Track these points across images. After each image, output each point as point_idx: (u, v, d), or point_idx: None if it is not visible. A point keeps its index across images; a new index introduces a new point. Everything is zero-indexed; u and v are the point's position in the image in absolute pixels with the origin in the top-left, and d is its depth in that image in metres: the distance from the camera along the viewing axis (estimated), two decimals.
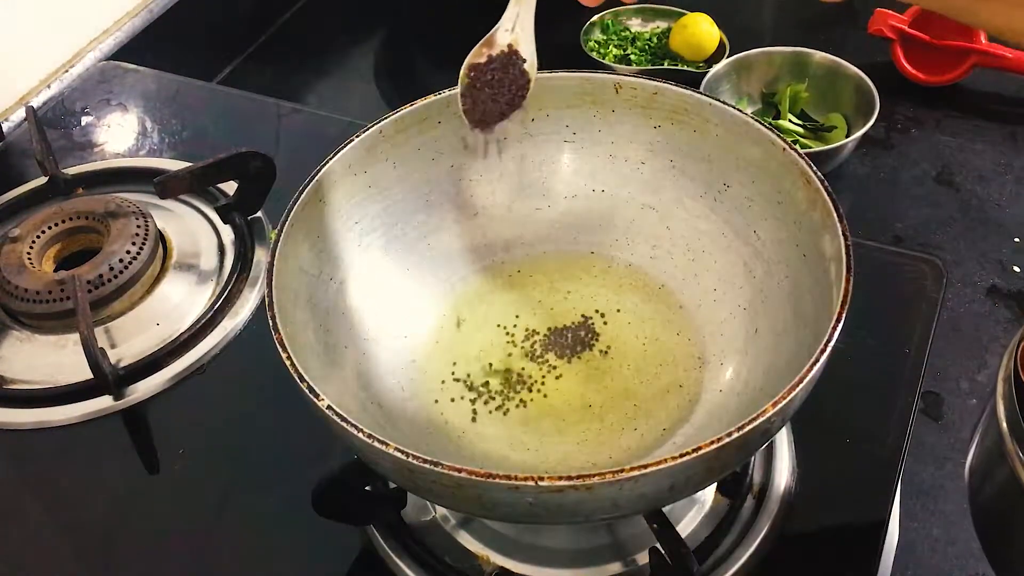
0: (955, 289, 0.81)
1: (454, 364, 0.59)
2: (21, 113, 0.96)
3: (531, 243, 0.64)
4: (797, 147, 0.54)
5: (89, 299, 0.70)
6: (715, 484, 0.58)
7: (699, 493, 0.58)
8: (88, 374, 0.67)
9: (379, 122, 0.59)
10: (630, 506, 0.44)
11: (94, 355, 0.66)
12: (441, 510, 0.59)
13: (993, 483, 0.56)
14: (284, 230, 0.53)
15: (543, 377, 0.58)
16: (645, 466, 0.40)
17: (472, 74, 0.56)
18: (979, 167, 0.93)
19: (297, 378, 0.45)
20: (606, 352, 0.59)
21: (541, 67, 0.57)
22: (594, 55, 1.06)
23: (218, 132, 0.92)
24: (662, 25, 1.10)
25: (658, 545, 0.51)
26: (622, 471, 0.40)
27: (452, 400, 0.58)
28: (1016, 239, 0.85)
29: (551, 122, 0.62)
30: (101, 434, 0.67)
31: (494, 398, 0.57)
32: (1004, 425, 0.52)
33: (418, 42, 1.22)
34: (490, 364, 0.59)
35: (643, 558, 0.55)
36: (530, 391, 0.57)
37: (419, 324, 0.61)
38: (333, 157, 0.57)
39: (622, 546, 0.57)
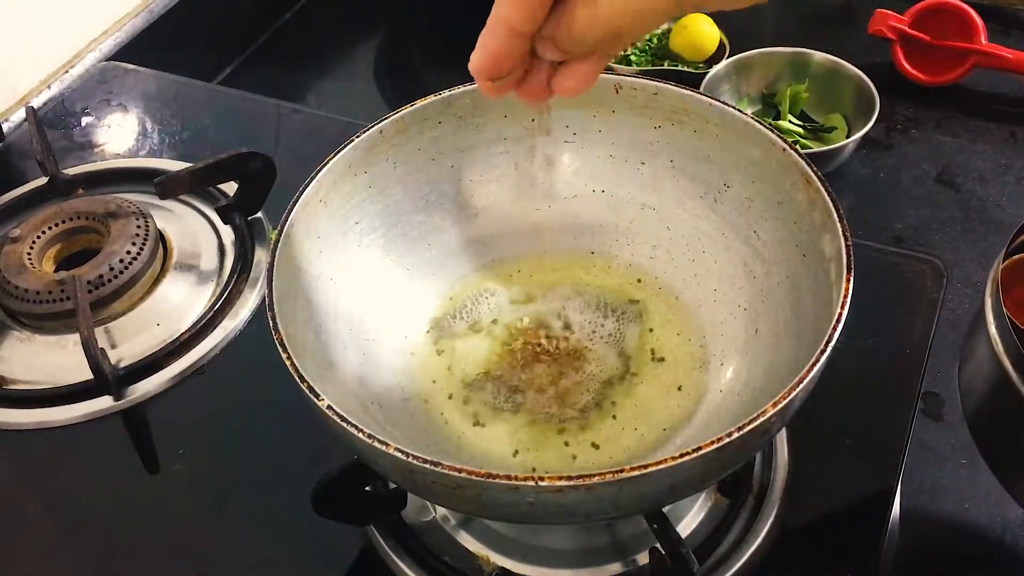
0: (955, 289, 0.81)
1: (454, 364, 0.59)
2: (21, 113, 0.96)
3: (531, 243, 0.64)
4: (797, 147, 0.54)
5: (89, 299, 0.70)
6: (715, 484, 0.59)
7: (699, 493, 0.58)
8: (88, 374, 0.67)
9: (379, 122, 0.59)
10: (630, 506, 0.44)
11: (94, 355, 0.66)
12: (441, 510, 0.59)
13: (985, 388, 0.58)
14: (284, 230, 0.53)
15: (543, 377, 0.58)
16: (645, 466, 0.40)
17: None
18: (979, 167, 0.93)
19: (297, 378, 0.45)
20: (606, 352, 0.59)
21: None
22: None
23: (218, 132, 0.92)
24: (662, 25, 1.10)
25: (658, 545, 0.51)
26: (622, 471, 0.40)
27: (452, 400, 0.58)
28: None
29: (551, 122, 0.62)
30: (101, 434, 0.67)
31: (494, 398, 0.57)
32: (992, 329, 0.55)
33: (418, 42, 1.22)
34: (490, 364, 0.59)
35: (643, 558, 0.55)
36: (530, 391, 0.57)
37: (419, 324, 0.61)
38: (333, 157, 0.57)
39: (622, 546, 0.57)
